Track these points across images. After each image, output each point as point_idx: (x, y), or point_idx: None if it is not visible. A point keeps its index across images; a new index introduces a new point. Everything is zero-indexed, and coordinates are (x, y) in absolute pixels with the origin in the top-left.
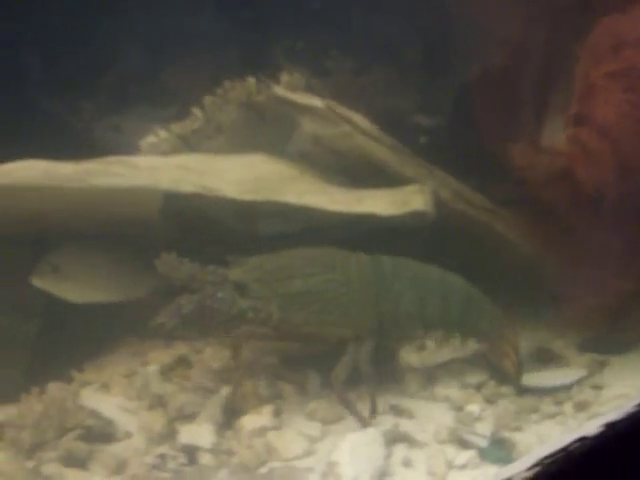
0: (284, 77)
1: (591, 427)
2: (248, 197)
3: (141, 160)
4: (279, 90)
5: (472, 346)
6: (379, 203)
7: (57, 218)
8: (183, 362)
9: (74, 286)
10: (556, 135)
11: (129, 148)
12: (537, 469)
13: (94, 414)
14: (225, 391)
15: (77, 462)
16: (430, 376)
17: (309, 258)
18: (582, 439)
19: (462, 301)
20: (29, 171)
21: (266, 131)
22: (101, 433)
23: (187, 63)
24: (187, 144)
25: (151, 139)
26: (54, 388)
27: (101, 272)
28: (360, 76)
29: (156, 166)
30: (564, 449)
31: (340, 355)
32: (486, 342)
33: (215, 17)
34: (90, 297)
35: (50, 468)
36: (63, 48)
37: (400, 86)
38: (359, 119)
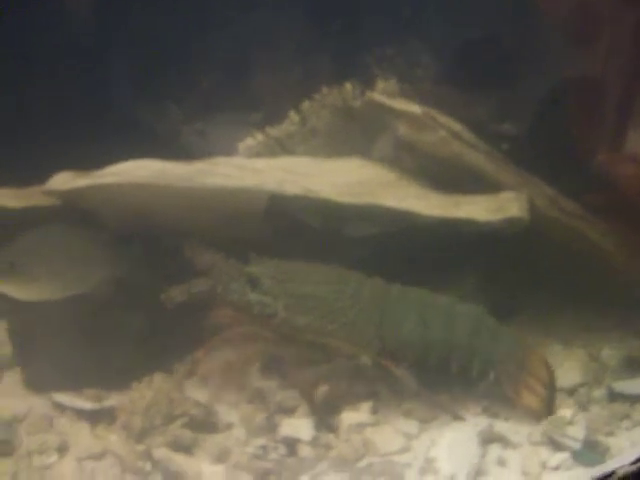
0: (380, 83)
1: None
2: (350, 200)
3: (247, 162)
4: (377, 96)
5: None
6: (476, 209)
7: (166, 216)
8: (279, 358)
9: (24, 283)
10: None
11: (224, 151)
12: None
13: (198, 404)
14: (323, 388)
15: (183, 448)
16: None
17: (326, 270)
18: None
19: (473, 330)
20: (143, 170)
21: (360, 136)
22: (204, 423)
23: (274, 69)
24: (283, 147)
25: (249, 141)
26: (159, 378)
27: (51, 267)
28: (446, 83)
29: (261, 168)
30: None
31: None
32: (502, 373)
33: (304, 23)
34: (36, 295)
35: (160, 452)
36: (151, 54)
37: (483, 93)
38: (456, 126)
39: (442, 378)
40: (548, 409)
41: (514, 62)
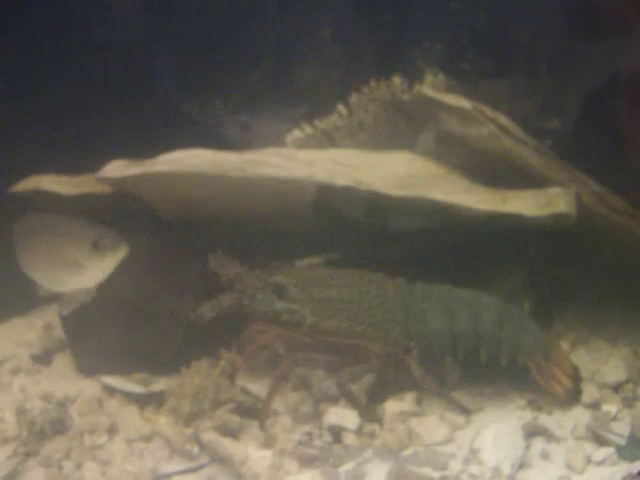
0: (428, 78)
1: None
2: (399, 193)
3: (297, 153)
4: (426, 89)
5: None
6: (524, 204)
7: (217, 205)
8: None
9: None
10: None
11: (269, 143)
12: None
13: (245, 391)
14: (369, 377)
15: (230, 433)
16: None
17: (349, 273)
18: None
19: (499, 321)
20: (195, 159)
21: (407, 130)
22: (251, 409)
23: (318, 63)
24: (330, 140)
25: (296, 133)
26: (207, 364)
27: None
28: (492, 78)
29: (311, 159)
30: None
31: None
32: (532, 363)
33: (349, 16)
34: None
35: (208, 436)
36: (195, 49)
37: (529, 88)
38: (505, 121)
39: (487, 371)
40: (574, 397)
41: (560, 56)
